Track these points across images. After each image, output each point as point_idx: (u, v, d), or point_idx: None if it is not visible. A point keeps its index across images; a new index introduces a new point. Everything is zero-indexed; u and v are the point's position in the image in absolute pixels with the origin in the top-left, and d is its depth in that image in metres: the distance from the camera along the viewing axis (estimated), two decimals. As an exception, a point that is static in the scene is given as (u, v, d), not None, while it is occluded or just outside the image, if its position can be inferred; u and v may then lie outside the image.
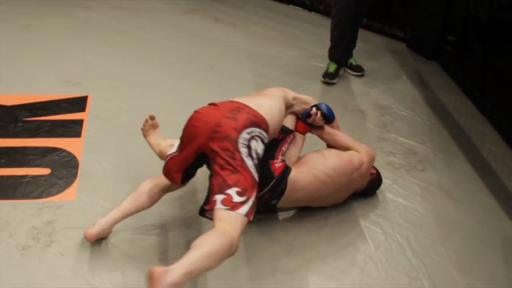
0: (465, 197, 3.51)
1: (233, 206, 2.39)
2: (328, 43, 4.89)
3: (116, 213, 2.81)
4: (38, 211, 3.08)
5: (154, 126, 3.12)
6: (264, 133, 2.65)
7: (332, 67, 4.73)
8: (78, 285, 2.66)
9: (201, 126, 2.57)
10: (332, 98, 4.54)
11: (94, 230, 2.80)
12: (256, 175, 2.54)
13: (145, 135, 3.12)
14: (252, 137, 2.57)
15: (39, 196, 3.19)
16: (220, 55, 5.05)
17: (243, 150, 2.51)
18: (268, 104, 2.79)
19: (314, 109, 3.11)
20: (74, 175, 3.37)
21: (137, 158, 3.57)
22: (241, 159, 2.49)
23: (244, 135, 2.54)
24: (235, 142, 2.50)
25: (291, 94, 3.12)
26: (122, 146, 3.67)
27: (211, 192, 2.51)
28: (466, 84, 4.78)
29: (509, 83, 4.30)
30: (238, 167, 2.47)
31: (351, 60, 4.90)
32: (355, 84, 4.77)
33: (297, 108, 3.15)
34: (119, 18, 5.58)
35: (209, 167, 2.60)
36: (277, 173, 2.88)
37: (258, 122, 2.64)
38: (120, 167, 3.49)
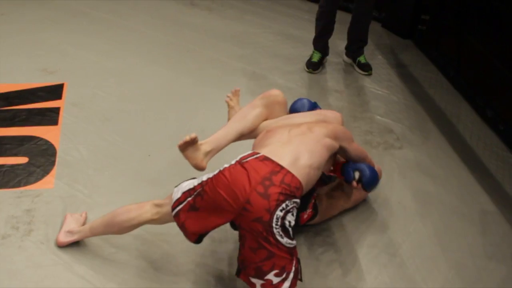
0: (442, 173, 3.55)
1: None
2: (305, 25, 4.89)
3: (86, 233, 2.75)
4: (17, 200, 3.06)
5: (194, 143, 2.62)
6: (298, 201, 2.35)
7: (316, 57, 4.67)
8: (59, 273, 2.66)
9: (228, 199, 2.29)
10: (308, 78, 4.56)
11: (67, 240, 2.77)
12: (293, 243, 2.33)
13: (182, 151, 2.64)
14: (287, 212, 2.28)
15: (17, 185, 3.17)
16: (196, 40, 5.03)
17: (276, 232, 2.25)
18: (308, 160, 2.43)
19: (357, 177, 2.79)
20: (52, 163, 3.36)
21: (114, 144, 3.56)
22: (275, 241, 2.26)
23: (278, 213, 2.25)
24: (268, 226, 2.24)
25: (341, 142, 2.70)
26: (99, 133, 3.66)
27: (245, 265, 2.35)
28: (441, 61, 4.82)
29: (483, 60, 4.34)
30: (273, 249, 2.27)
31: (360, 58, 4.74)
32: (331, 64, 4.78)
33: (339, 154, 2.82)
34: (94, 5, 5.53)
35: (236, 228, 2.43)
36: (302, 222, 2.83)
37: (293, 191, 2.31)
38: (98, 154, 3.48)
